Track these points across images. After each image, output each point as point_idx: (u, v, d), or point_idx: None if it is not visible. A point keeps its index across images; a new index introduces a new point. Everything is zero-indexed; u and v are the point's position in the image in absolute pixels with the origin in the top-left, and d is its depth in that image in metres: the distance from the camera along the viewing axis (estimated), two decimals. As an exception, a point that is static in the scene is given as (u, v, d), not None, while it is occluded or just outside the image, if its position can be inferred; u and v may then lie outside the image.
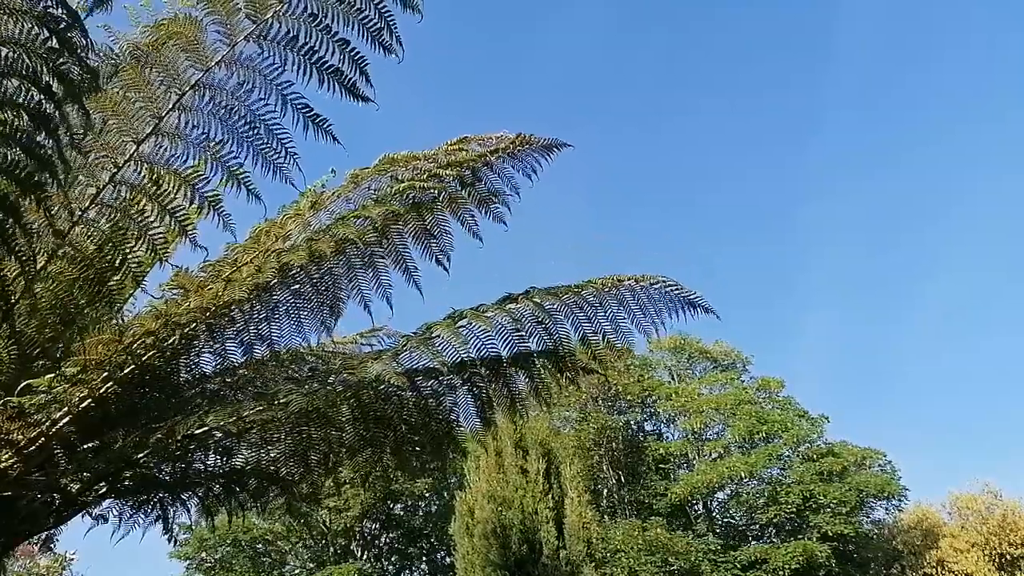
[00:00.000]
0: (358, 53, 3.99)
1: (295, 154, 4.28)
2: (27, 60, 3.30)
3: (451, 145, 4.77)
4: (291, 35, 3.96)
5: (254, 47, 4.04)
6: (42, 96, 3.40)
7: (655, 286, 4.99)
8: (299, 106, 4.15)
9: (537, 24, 57.25)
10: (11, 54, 3.28)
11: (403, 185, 4.62)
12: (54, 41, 3.31)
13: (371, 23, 3.91)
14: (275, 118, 4.20)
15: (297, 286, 4.87)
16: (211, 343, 4.86)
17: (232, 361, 4.99)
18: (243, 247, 4.61)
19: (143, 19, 4.33)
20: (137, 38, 4.32)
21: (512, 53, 57.85)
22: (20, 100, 3.43)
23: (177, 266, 4.66)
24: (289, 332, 5.08)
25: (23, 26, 3.25)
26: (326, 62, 4.00)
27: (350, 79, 4.04)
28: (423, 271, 5.11)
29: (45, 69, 3.34)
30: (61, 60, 3.36)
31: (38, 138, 3.55)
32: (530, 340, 5.19)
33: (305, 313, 5.01)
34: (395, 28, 3.90)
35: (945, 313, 54.55)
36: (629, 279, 4.99)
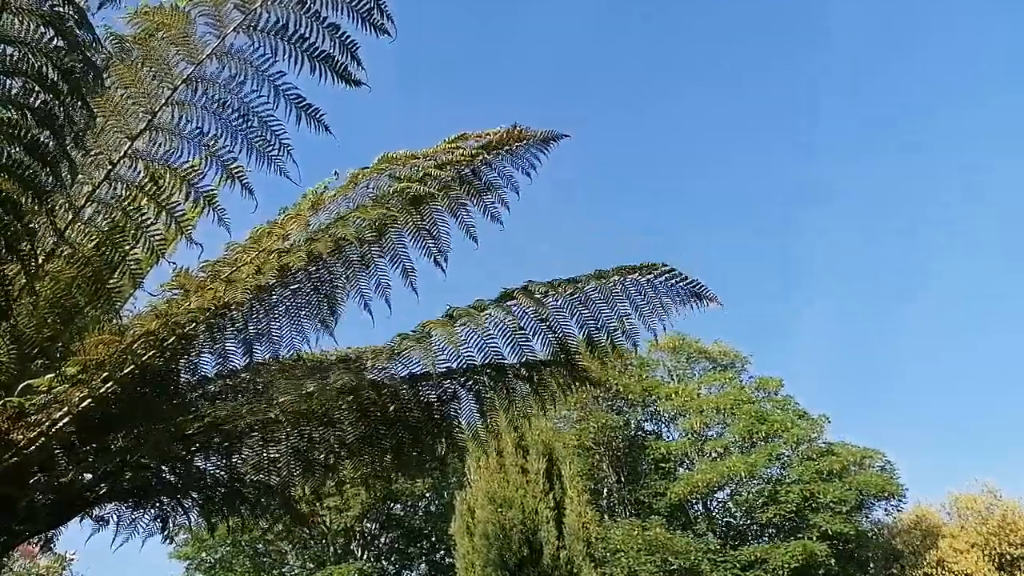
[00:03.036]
0: (348, 37, 3.97)
1: (289, 145, 4.27)
2: (32, 58, 3.29)
3: (449, 143, 4.74)
4: (280, 23, 3.94)
5: (244, 38, 4.02)
6: (48, 95, 3.39)
7: (659, 278, 4.92)
8: (291, 97, 4.13)
9: (521, 7, 56.94)
10: (16, 53, 3.28)
11: (402, 184, 4.61)
12: (59, 40, 3.30)
13: (361, 4, 3.90)
14: (268, 110, 4.18)
15: (297, 286, 4.85)
16: (211, 344, 4.84)
17: (233, 363, 4.97)
18: (243, 247, 4.60)
19: (131, 4, 4.30)
20: (122, 30, 4.29)
21: (498, 38, 57.61)
22: (24, 99, 3.42)
23: (175, 263, 4.66)
24: (289, 333, 5.06)
25: (28, 24, 3.24)
26: (317, 48, 3.98)
27: (341, 64, 4.02)
28: (420, 266, 5.08)
29: (50, 68, 3.33)
30: (67, 58, 3.36)
31: (41, 137, 3.54)
32: (534, 340, 5.12)
33: (305, 313, 4.99)
34: (386, 8, 3.89)
35: (943, 310, 54.48)
36: (632, 272, 4.91)
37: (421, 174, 4.61)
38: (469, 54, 57.66)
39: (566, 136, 4.98)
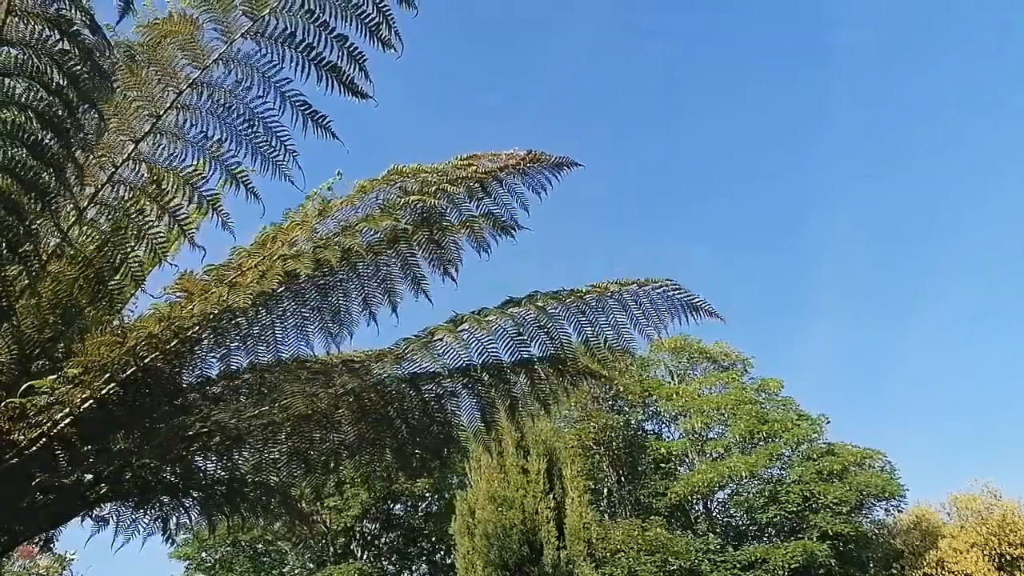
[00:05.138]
0: (356, 49, 3.97)
1: (294, 151, 4.27)
2: (36, 61, 3.30)
3: (461, 160, 4.76)
4: (288, 31, 3.95)
5: (251, 44, 4.03)
6: (52, 98, 3.40)
7: (658, 290, 4.99)
8: (297, 103, 4.13)
9: (539, 29, 57.48)
10: (21, 55, 3.28)
11: (412, 197, 4.61)
12: (66, 43, 3.30)
13: (369, 19, 3.90)
14: (274, 116, 4.18)
15: (303, 294, 4.86)
16: (214, 347, 4.85)
17: (236, 365, 4.98)
18: (248, 252, 4.60)
19: (143, 17, 4.31)
20: (133, 36, 4.30)
21: (516, 61, 58.13)
22: (29, 102, 3.43)
23: (177, 266, 4.66)
24: (294, 339, 5.07)
25: (34, 28, 3.24)
26: (324, 58, 3.99)
27: (348, 75, 4.02)
28: (431, 280, 5.11)
29: (55, 71, 3.34)
30: (73, 63, 3.36)
31: (45, 139, 3.55)
32: (532, 345, 5.18)
33: (310, 320, 5.00)
34: (393, 23, 3.89)
35: (949, 319, 54.73)
36: (632, 283, 4.99)
37: (433, 188, 4.62)
38: (491, 79, 58.12)
39: (579, 165, 5.02)
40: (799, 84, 55.48)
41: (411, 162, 4.70)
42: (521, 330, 5.01)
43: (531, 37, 57.86)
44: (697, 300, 5.03)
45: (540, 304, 4.94)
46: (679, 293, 5.00)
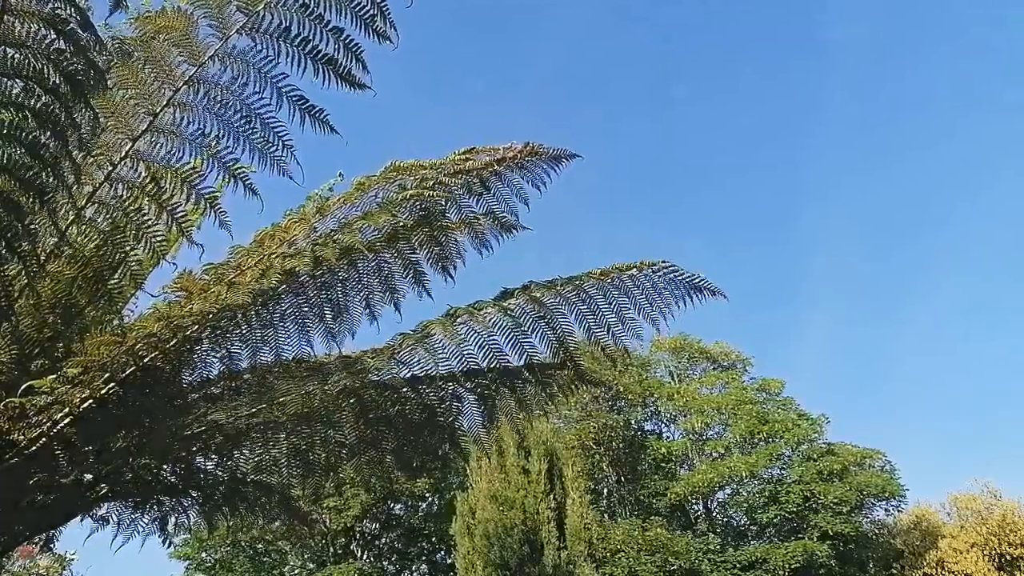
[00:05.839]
0: (352, 41, 3.96)
1: (291, 146, 4.26)
2: (33, 61, 3.29)
3: (459, 155, 4.73)
4: (283, 26, 3.94)
5: (247, 40, 4.02)
6: (49, 97, 3.39)
7: (659, 272, 4.92)
8: (294, 98, 4.12)
9: (528, 20, 57.53)
10: (17, 55, 3.28)
11: (410, 191, 4.60)
12: (61, 42, 3.29)
13: (363, 10, 3.89)
14: (271, 111, 4.17)
15: (303, 292, 4.84)
16: (214, 347, 4.84)
17: (236, 365, 4.97)
18: (246, 251, 4.59)
19: (137, 12, 4.29)
20: (125, 32, 4.29)
21: (507, 45, 58.15)
22: (25, 100, 3.42)
23: (176, 264, 4.65)
24: (295, 338, 5.05)
25: (29, 27, 3.24)
26: (320, 52, 3.97)
27: (345, 68, 4.01)
28: (431, 276, 5.08)
29: (52, 70, 3.33)
30: (69, 61, 3.35)
31: (42, 138, 3.54)
32: (532, 336, 5.12)
33: (310, 319, 4.99)
34: (388, 14, 3.88)
35: (943, 312, 54.73)
36: (631, 267, 4.91)
37: (431, 183, 4.60)
38: (479, 68, 58.13)
39: (578, 156, 4.99)
40: (792, 76, 55.53)
41: (406, 151, 4.70)
42: (522, 322, 4.95)
43: (522, 21, 57.92)
44: (698, 280, 4.93)
45: (537, 295, 4.89)
46: (679, 274, 4.91)
